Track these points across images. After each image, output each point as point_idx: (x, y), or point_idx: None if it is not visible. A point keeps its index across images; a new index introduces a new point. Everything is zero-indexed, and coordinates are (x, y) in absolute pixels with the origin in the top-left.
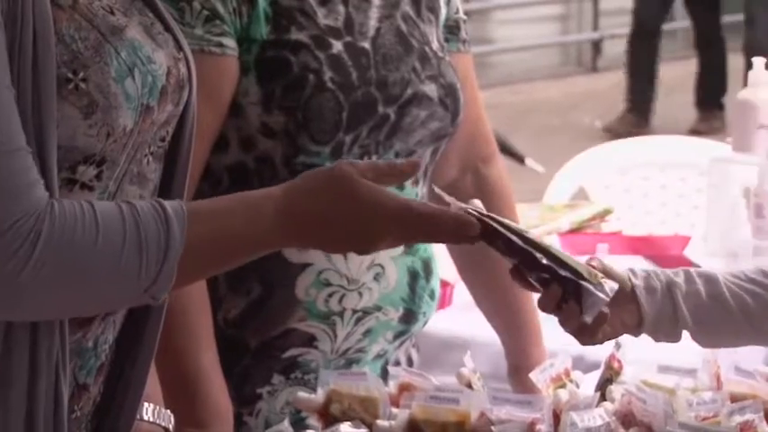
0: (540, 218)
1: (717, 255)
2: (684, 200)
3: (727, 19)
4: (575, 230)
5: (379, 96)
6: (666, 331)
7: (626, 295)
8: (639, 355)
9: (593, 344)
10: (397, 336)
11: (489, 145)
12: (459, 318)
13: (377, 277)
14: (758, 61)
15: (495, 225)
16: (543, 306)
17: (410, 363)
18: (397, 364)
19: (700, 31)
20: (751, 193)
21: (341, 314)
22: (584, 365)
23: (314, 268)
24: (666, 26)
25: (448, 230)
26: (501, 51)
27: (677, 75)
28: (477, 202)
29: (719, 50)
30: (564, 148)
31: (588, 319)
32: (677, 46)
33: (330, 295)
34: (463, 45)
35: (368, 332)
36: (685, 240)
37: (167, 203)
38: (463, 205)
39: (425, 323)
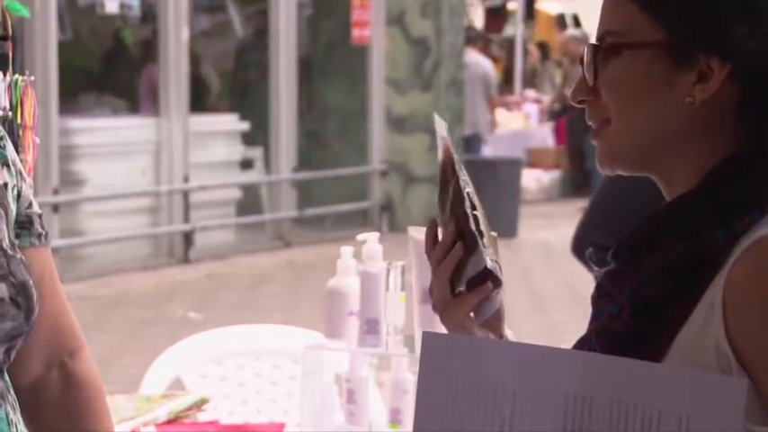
0: (137, 409)
1: None
2: (278, 387)
3: None
4: (172, 421)
5: None
6: None
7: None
8: None
9: (456, 316)
10: None
11: (76, 338)
12: None
13: None
14: (345, 250)
15: (457, 168)
16: (428, 245)
17: None
18: None
19: None
20: (343, 380)
21: None
22: None
23: None
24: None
25: None
26: (92, 244)
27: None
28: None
29: None
30: (158, 339)
31: (463, 283)
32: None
33: None
34: (38, 239)
35: None
36: (280, 427)
37: None
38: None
39: None
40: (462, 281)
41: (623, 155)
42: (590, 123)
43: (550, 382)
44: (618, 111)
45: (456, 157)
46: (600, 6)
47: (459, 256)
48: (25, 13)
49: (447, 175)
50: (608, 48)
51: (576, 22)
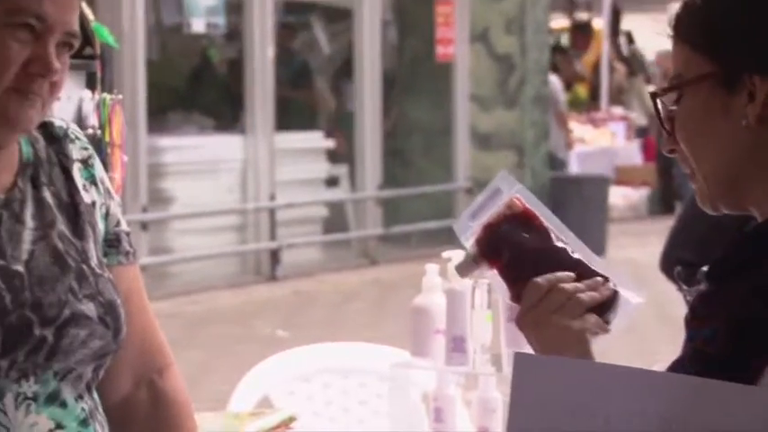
0: (225, 426)
1: None
2: (365, 405)
3: None
4: None
5: (34, 319)
6: None
7: None
8: None
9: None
10: None
11: (164, 356)
12: None
13: None
14: (431, 267)
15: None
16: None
17: None
18: None
19: None
20: (430, 398)
21: None
22: None
23: None
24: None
25: None
26: (180, 261)
27: None
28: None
29: None
30: (246, 357)
31: (610, 318)
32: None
33: None
34: (126, 257)
35: None
36: None
37: None
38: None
39: None
40: (609, 316)
41: (714, 194)
42: (685, 170)
43: (644, 406)
44: (692, 154)
45: (534, 210)
46: (650, 22)
47: (610, 294)
48: (111, 41)
49: (526, 225)
50: (670, 90)
51: (630, 40)
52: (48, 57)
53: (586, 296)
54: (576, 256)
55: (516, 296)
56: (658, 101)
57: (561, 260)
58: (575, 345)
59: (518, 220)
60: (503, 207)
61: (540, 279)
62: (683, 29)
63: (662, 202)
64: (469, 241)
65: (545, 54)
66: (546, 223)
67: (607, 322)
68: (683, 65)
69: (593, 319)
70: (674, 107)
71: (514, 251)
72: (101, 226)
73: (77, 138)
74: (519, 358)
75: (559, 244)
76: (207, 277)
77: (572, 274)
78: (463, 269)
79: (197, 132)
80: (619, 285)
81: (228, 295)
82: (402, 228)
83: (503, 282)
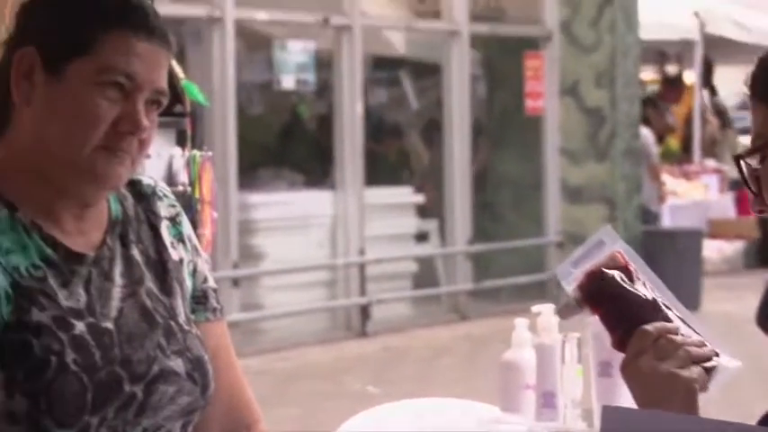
0: None
1: None
2: None
3: None
4: None
5: (124, 375)
6: None
7: None
8: None
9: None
10: None
11: (252, 412)
12: None
13: None
14: (520, 322)
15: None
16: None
17: None
18: None
19: None
20: None
21: None
22: None
23: None
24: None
25: None
26: (270, 317)
27: None
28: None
29: None
30: (337, 413)
31: (712, 379)
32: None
33: None
34: (213, 314)
35: None
36: None
37: None
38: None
39: None
40: (712, 379)
41: None
42: None
43: None
44: None
45: (634, 267)
46: (730, 74)
47: (711, 353)
48: (201, 99)
49: (627, 278)
50: (753, 153)
51: (713, 92)
52: (137, 114)
53: (693, 349)
54: (677, 317)
55: (617, 343)
56: (742, 162)
57: (660, 316)
58: (682, 393)
59: (620, 272)
60: (605, 258)
61: (648, 327)
62: (759, 87)
63: (760, 255)
64: (571, 286)
65: (635, 107)
66: (647, 281)
67: None
68: (761, 124)
69: (698, 370)
70: (758, 167)
71: (616, 300)
72: (188, 283)
73: (165, 195)
74: (607, 411)
75: (660, 302)
76: (297, 333)
77: (678, 326)
78: (564, 312)
79: (287, 188)
80: (716, 348)
81: (319, 351)
82: (493, 282)
83: (604, 328)
